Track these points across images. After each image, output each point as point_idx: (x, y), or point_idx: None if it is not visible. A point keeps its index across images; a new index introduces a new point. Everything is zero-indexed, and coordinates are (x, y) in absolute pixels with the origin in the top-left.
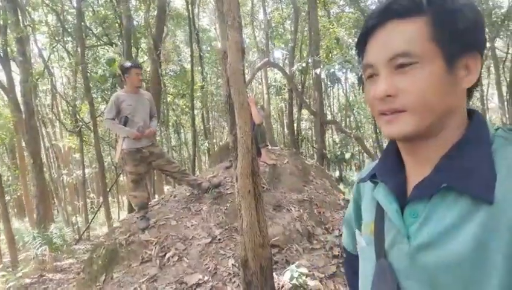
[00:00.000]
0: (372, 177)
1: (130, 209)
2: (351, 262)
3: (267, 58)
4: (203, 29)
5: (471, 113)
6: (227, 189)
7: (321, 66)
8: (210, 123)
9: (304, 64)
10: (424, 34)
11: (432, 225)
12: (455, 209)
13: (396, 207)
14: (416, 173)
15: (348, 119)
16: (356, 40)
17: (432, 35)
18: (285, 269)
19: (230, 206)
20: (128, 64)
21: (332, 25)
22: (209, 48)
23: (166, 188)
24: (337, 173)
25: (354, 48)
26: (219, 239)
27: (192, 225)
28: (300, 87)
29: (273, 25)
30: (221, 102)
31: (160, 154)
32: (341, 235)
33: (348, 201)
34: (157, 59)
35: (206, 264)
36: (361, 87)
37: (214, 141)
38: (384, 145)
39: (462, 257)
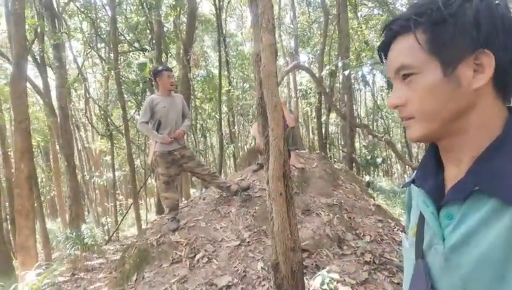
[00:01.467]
0: (414, 181)
1: (158, 211)
2: None
3: (296, 62)
4: (230, 34)
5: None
6: (255, 192)
7: (350, 69)
8: (235, 127)
9: (334, 68)
10: (418, 46)
11: (464, 227)
12: (486, 210)
13: (432, 210)
14: (452, 174)
15: (375, 123)
16: (379, 53)
17: (425, 46)
18: (316, 274)
19: (259, 209)
20: (159, 67)
21: (361, 28)
22: (235, 53)
23: (192, 191)
24: (367, 178)
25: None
26: (248, 242)
27: (221, 227)
28: (329, 90)
29: (300, 29)
30: (247, 106)
31: (191, 156)
32: (372, 241)
33: (378, 206)
34: (187, 64)
35: (235, 267)
36: (389, 90)
37: (239, 145)
38: (413, 150)
39: (491, 257)
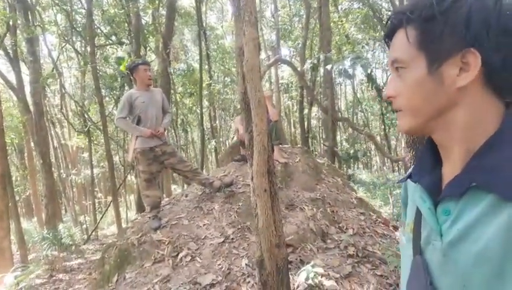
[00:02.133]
0: (410, 177)
1: (139, 209)
2: None
3: (278, 55)
4: (211, 27)
5: (508, 106)
6: (239, 188)
7: (332, 63)
8: (217, 122)
9: (316, 61)
10: (408, 41)
11: (461, 222)
12: (483, 206)
13: (429, 205)
14: (448, 170)
15: (355, 117)
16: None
17: (415, 41)
18: (300, 269)
19: (242, 205)
20: (135, 62)
21: (342, 21)
22: (215, 47)
23: (173, 187)
24: (349, 171)
25: (366, 43)
26: (232, 239)
27: (204, 225)
28: (311, 84)
29: (281, 22)
30: (228, 101)
31: (173, 153)
32: (355, 234)
33: (360, 199)
34: (166, 58)
35: (220, 265)
36: (370, 84)
37: (221, 140)
38: (392, 143)
39: (489, 252)
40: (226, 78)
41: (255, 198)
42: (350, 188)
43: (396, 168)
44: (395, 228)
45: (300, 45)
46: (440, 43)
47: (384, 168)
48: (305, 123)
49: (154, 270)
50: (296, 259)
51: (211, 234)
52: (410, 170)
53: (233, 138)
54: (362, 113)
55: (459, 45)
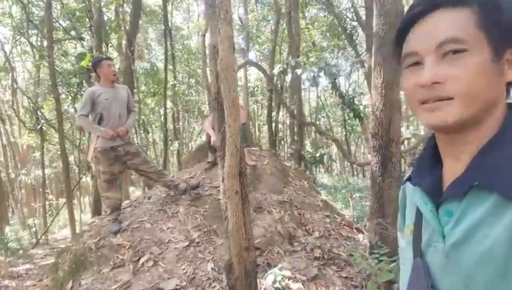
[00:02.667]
0: (410, 179)
1: (95, 212)
2: None
3: (248, 58)
4: (176, 27)
5: (509, 107)
6: (205, 190)
7: (302, 68)
8: (180, 123)
9: (285, 66)
10: (473, 22)
11: (465, 223)
12: (486, 206)
13: (431, 207)
14: (451, 169)
15: (318, 122)
16: (400, 26)
17: (480, 24)
18: (267, 272)
19: (209, 208)
20: (98, 57)
21: (309, 28)
22: (181, 47)
23: (131, 189)
24: (311, 175)
25: (330, 51)
26: (197, 242)
27: (168, 228)
28: (279, 88)
29: (250, 26)
30: (192, 102)
31: (136, 153)
32: (321, 236)
33: (325, 202)
34: (130, 55)
35: (184, 269)
36: (334, 91)
37: (184, 141)
38: (352, 148)
39: (494, 253)
40: (190, 80)
41: (226, 200)
42: (316, 191)
43: (355, 173)
44: (359, 231)
45: (266, 50)
46: (504, 33)
47: (345, 172)
48: (273, 126)
49: (113, 276)
50: (263, 262)
51: (175, 238)
52: (409, 173)
53: (196, 140)
54: (325, 119)
55: None
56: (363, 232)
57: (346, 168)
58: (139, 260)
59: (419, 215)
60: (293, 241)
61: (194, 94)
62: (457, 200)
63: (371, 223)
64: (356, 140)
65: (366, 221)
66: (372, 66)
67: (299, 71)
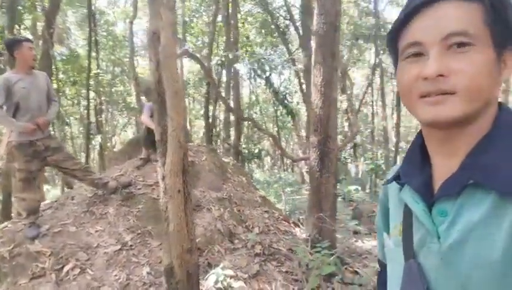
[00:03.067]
0: (397, 178)
1: (4, 216)
2: (384, 274)
3: (185, 48)
4: (101, 11)
5: (499, 106)
6: (138, 189)
7: (241, 62)
8: (103, 116)
9: (224, 59)
10: (480, 17)
11: (462, 224)
12: (483, 206)
13: (424, 207)
14: (443, 168)
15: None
16: (403, 15)
17: (487, 20)
18: (208, 272)
19: (143, 208)
20: (16, 38)
21: (243, 23)
22: (105, 33)
23: (46, 188)
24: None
25: (264, 47)
26: (130, 245)
27: (96, 231)
28: (216, 82)
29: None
30: (118, 93)
31: (58, 148)
32: (261, 232)
33: (263, 197)
34: (49, 39)
35: (116, 275)
36: (268, 87)
37: (108, 136)
38: (283, 144)
39: (493, 254)
40: (115, 69)
41: (167, 199)
42: (254, 187)
43: (286, 167)
44: (295, 225)
45: (200, 42)
46: (506, 31)
47: (274, 167)
48: (210, 121)
49: (31, 287)
50: (203, 262)
51: (105, 242)
52: (394, 172)
53: (120, 134)
54: (257, 115)
55: None
56: (299, 226)
57: (277, 163)
58: (62, 268)
59: (407, 215)
60: (234, 239)
61: (119, 84)
62: (452, 200)
63: (309, 217)
64: (286, 136)
65: (302, 215)
66: (312, 64)
67: (238, 65)
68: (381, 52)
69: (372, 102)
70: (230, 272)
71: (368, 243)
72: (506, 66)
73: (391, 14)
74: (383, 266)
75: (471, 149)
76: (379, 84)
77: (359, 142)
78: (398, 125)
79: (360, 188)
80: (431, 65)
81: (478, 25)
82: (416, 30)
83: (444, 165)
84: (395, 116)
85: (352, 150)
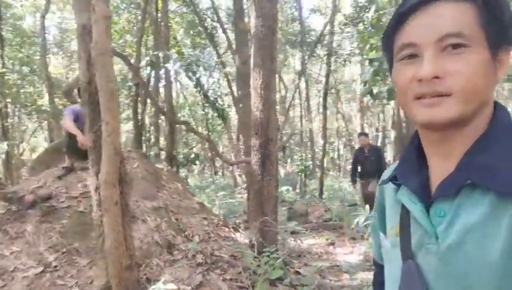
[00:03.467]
0: (394, 179)
1: None
2: (380, 274)
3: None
4: (6, 4)
5: (495, 106)
6: (61, 202)
7: (173, 62)
8: (9, 120)
9: (154, 59)
10: (475, 18)
11: (460, 224)
12: (481, 206)
13: (421, 207)
14: (439, 169)
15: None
16: (397, 16)
17: (482, 21)
18: (147, 289)
19: (67, 223)
20: None
21: (170, 23)
22: (11, 28)
23: None
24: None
25: (192, 48)
26: (55, 266)
27: (12, 253)
28: (146, 82)
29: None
30: (27, 95)
31: None
32: (201, 240)
33: (201, 204)
34: None
35: None
36: (198, 89)
37: (15, 142)
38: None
39: (493, 255)
40: (24, 68)
41: (102, 213)
42: (190, 193)
43: (216, 172)
44: (235, 229)
45: (122, 41)
46: (502, 32)
47: (205, 172)
48: (139, 124)
49: None
50: (142, 278)
51: (24, 264)
52: (391, 173)
53: (29, 140)
54: (186, 118)
55: (508, 41)
56: (239, 231)
57: (207, 167)
58: None
59: (405, 215)
60: (173, 250)
61: (28, 85)
62: (449, 200)
63: (251, 221)
64: (216, 139)
65: (238, 219)
66: (251, 67)
67: (169, 65)
68: (306, 58)
69: (300, 105)
70: (172, 286)
71: (305, 242)
72: (501, 65)
73: (314, 21)
74: (378, 267)
75: (467, 149)
76: (305, 88)
77: (287, 144)
78: (325, 127)
79: (291, 188)
80: (426, 67)
81: (473, 26)
82: (412, 30)
83: (441, 166)
84: (321, 118)
85: (281, 152)
